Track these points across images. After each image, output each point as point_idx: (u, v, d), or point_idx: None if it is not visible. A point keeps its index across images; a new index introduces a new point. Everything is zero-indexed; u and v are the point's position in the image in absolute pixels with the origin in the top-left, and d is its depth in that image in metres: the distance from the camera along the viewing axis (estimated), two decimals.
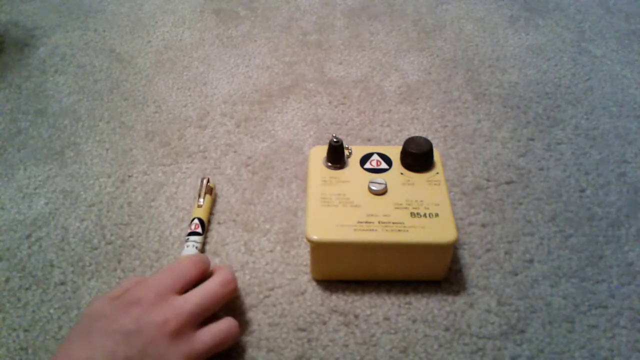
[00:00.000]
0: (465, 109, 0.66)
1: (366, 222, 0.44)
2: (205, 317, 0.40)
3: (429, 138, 0.62)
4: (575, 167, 0.59)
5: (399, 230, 0.44)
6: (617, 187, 0.56)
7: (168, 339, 0.37)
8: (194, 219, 0.51)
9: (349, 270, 0.47)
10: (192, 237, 0.50)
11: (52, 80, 0.72)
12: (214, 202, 0.55)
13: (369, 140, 0.62)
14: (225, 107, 0.67)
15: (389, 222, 0.44)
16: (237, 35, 0.80)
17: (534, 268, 0.49)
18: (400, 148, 0.50)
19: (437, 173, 0.48)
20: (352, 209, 0.45)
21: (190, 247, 0.49)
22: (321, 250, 0.45)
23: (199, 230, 0.51)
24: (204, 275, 0.43)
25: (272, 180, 0.57)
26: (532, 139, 0.62)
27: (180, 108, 0.67)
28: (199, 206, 0.52)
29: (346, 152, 0.50)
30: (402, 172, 0.49)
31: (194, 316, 0.39)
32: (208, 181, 0.54)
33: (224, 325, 0.41)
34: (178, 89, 0.70)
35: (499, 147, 0.61)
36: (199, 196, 0.53)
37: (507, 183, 0.57)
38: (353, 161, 0.50)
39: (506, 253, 0.50)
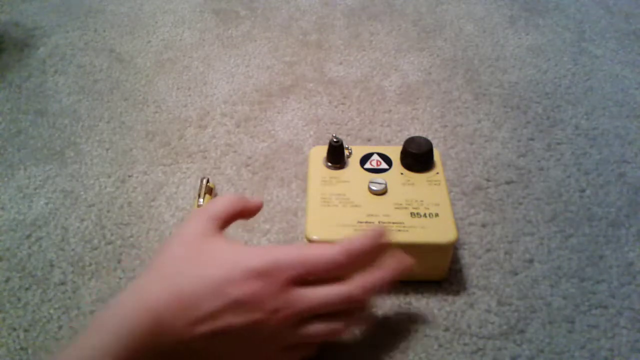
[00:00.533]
0: (465, 109, 0.66)
1: (366, 222, 0.44)
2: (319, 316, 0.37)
3: (429, 138, 0.62)
4: (575, 167, 0.59)
5: (399, 231, 0.44)
6: (617, 187, 0.56)
7: (270, 329, 0.35)
8: None
9: None
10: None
11: (52, 80, 0.72)
12: None
13: (369, 140, 0.62)
14: (225, 107, 0.67)
15: (389, 222, 0.44)
16: (237, 35, 0.80)
17: (534, 268, 0.49)
18: (400, 148, 0.50)
19: (437, 173, 0.48)
20: (352, 209, 0.45)
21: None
22: None
23: None
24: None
25: (272, 180, 0.57)
26: (532, 139, 0.62)
27: (180, 108, 0.67)
28: (199, 206, 0.52)
29: (346, 152, 0.50)
30: (402, 172, 0.49)
31: (307, 314, 0.36)
32: (208, 181, 0.54)
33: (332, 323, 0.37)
34: (178, 89, 0.70)
35: (499, 147, 0.61)
36: (199, 196, 0.53)
37: (507, 183, 0.57)
38: (353, 161, 0.50)
39: (506, 253, 0.50)
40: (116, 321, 0.33)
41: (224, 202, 0.40)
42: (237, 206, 0.41)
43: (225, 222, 0.40)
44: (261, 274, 0.35)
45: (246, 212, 0.42)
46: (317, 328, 0.37)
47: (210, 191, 0.54)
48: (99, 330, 0.33)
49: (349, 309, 0.38)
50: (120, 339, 0.32)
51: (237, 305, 0.35)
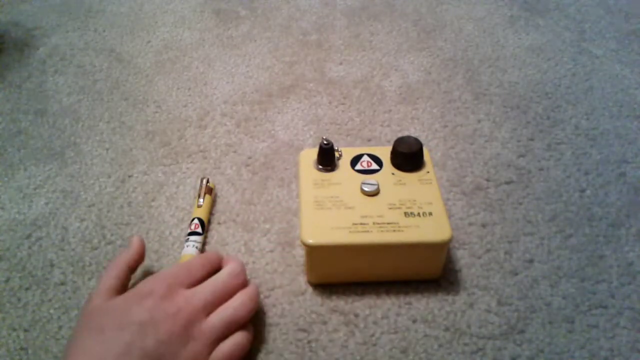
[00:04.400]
0: (465, 109, 0.66)
1: (361, 224, 0.44)
2: (216, 307, 0.41)
3: (429, 138, 0.62)
4: (575, 167, 0.59)
5: (394, 231, 0.44)
6: (617, 187, 0.56)
7: (182, 329, 0.38)
8: (193, 219, 0.51)
9: (345, 273, 0.47)
10: (192, 237, 0.50)
11: (52, 80, 0.72)
12: (214, 202, 0.55)
13: (369, 140, 0.62)
14: (225, 107, 0.67)
15: (384, 223, 0.44)
16: (237, 35, 0.80)
17: (534, 268, 0.49)
18: (389, 148, 0.50)
19: (428, 172, 0.48)
20: (345, 211, 0.45)
21: (190, 247, 0.49)
22: (317, 253, 0.45)
23: (199, 230, 0.51)
24: (214, 272, 0.44)
25: (272, 180, 0.57)
26: (532, 139, 0.62)
27: (180, 108, 0.67)
28: (199, 206, 0.52)
29: (336, 155, 0.49)
30: (393, 172, 0.49)
31: (205, 306, 0.40)
32: (208, 181, 0.54)
33: (238, 336, 0.41)
34: (178, 89, 0.70)
35: (499, 147, 0.61)
36: (199, 196, 0.53)
37: (507, 183, 0.57)
38: (344, 163, 0.50)
39: (506, 253, 0.50)
40: None
41: (106, 277, 0.43)
42: (119, 272, 0.43)
43: (119, 288, 0.42)
44: (146, 293, 0.39)
45: (133, 264, 0.45)
46: (233, 338, 0.41)
47: (210, 191, 0.54)
48: None
49: (236, 289, 0.43)
50: None
51: (142, 326, 0.37)
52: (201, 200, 0.53)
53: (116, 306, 0.39)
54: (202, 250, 0.50)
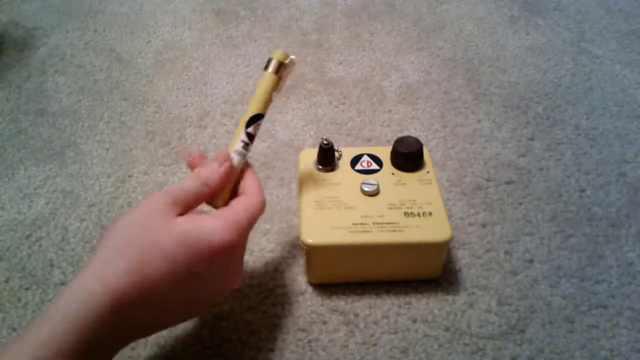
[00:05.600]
0: (465, 109, 0.66)
1: (361, 224, 0.44)
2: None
3: (429, 138, 0.62)
4: (575, 167, 0.59)
5: (394, 231, 0.44)
6: (617, 187, 0.56)
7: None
8: (257, 117, 0.42)
9: (345, 273, 0.47)
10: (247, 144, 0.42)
11: (52, 80, 0.72)
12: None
13: (369, 140, 0.62)
14: (225, 107, 0.67)
15: (384, 223, 0.44)
16: (237, 35, 0.80)
17: (534, 268, 0.49)
18: (389, 148, 0.50)
19: (428, 172, 0.49)
20: (345, 211, 0.45)
21: (240, 157, 0.42)
22: (317, 253, 0.45)
23: (257, 134, 0.43)
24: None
25: (272, 180, 0.57)
26: (532, 139, 0.62)
27: (180, 108, 0.67)
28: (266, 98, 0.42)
29: (336, 155, 0.49)
30: (393, 172, 0.49)
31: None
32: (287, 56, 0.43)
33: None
34: (178, 89, 0.70)
35: (499, 147, 0.61)
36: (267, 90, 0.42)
37: (507, 183, 0.57)
38: (343, 163, 0.50)
39: (506, 253, 0.50)
40: (76, 308, 0.31)
41: (185, 188, 0.38)
42: (199, 193, 0.39)
43: (185, 208, 0.38)
44: (229, 248, 0.36)
45: (211, 198, 0.40)
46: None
47: (281, 67, 0.43)
48: (64, 317, 0.31)
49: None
50: (81, 325, 0.31)
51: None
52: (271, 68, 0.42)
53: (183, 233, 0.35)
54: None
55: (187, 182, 0.39)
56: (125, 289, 0.32)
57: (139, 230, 0.35)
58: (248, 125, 0.42)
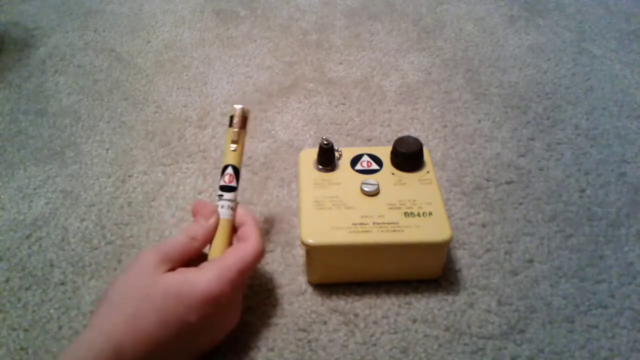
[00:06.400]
0: (465, 109, 0.66)
1: (361, 224, 0.44)
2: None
3: (429, 138, 0.62)
4: (575, 167, 0.59)
5: (394, 231, 0.44)
6: (617, 187, 0.56)
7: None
8: (226, 167, 0.44)
9: (345, 273, 0.47)
10: (226, 194, 0.44)
11: (52, 80, 0.72)
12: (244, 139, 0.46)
13: (369, 140, 0.62)
14: (225, 107, 0.67)
15: (384, 223, 0.44)
16: (237, 35, 0.80)
17: (534, 268, 0.49)
18: (389, 148, 0.50)
19: (428, 172, 0.49)
20: (345, 211, 0.45)
21: (225, 209, 0.43)
22: (317, 253, 0.45)
23: (234, 183, 0.44)
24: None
25: (272, 180, 0.57)
26: (532, 139, 0.62)
27: (180, 108, 0.67)
28: (233, 150, 0.44)
29: (336, 155, 0.49)
30: (393, 172, 0.49)
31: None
32: (243, 111, 0.44)
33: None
34: (178, 89, 0.70)
35: (499, 147, 0.61)
36: (232, 141, 0.44)
37: (507, 183, 0.57)
38: (343, 163, 0.50)
39: (506, 253, 0.50)
40: (84, 355, 0.35)
41: (173, 243, 0.41)
42: (188, 247, 0.41)
43: (175, 263, 0.40)
44: (216, 297, 0.38)
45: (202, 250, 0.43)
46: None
47: (244, 124, 0.45)
48: None
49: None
50: None
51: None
52: (233, 146, 0.44)
53: (180, 286, 0.38)
54: (235, 207, 0.45)
55: (177, 237, 0.42)
56: (122, 339, 0.35)
57: (131, 288, 0.38)
58: (222, 173, 0.45)
